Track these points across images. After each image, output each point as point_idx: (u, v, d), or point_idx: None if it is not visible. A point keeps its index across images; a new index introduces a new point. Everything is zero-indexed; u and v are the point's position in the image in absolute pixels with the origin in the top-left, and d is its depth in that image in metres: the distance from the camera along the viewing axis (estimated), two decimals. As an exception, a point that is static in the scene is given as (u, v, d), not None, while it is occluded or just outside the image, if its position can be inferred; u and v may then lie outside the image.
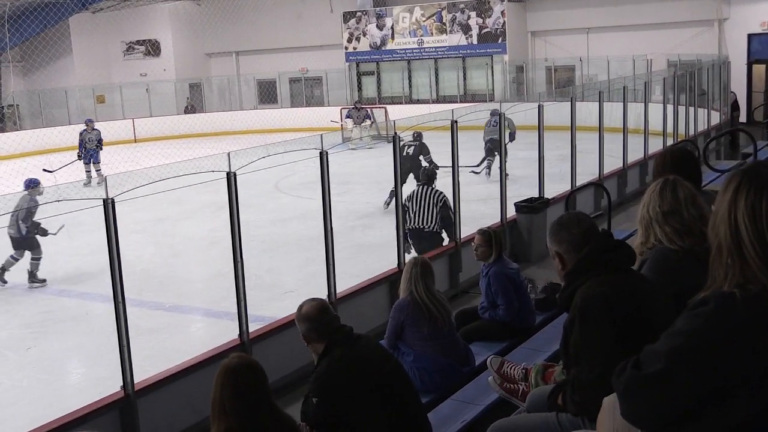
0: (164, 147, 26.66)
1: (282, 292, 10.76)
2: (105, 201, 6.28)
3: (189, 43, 38.49)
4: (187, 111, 36.44)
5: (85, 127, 22.36)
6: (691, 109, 19.86)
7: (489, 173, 17.97)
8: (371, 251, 12.19)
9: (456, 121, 10.25)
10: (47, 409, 6.67)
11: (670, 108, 17.90)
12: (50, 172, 19.56)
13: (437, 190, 10.74)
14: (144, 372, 6.79)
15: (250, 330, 7.47)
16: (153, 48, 38.45)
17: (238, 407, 3.80)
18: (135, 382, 6.50)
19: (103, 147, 22.37)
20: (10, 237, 11.92)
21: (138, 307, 9.34)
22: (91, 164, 21.86)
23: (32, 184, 12.11)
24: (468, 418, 5.33)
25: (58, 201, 6.21)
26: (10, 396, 8.21)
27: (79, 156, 21.91)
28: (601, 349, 3.28)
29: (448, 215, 10.60)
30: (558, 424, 3.49)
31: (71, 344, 9.94)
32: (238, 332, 7.41)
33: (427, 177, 10.97)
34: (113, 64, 38.47)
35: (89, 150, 21.85)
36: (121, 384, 6.46)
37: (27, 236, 11.87)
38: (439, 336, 6.10)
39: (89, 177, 21.66)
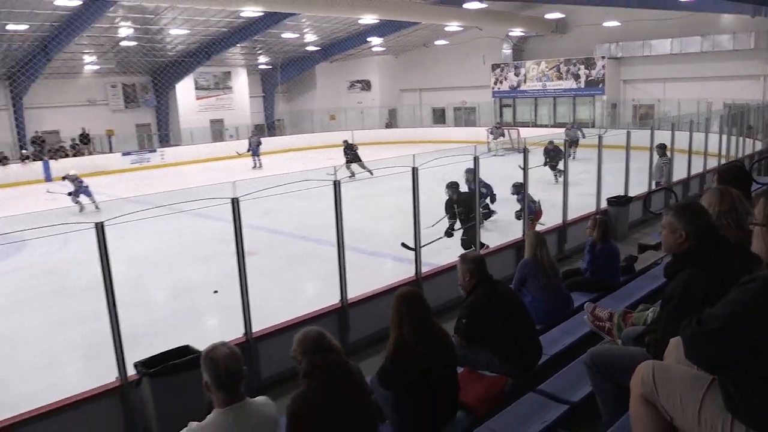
0: (372, 150, 27.26)
1: (444, 248, 10.75)
2: (334, 182, 6.50)
3: (389, 82, 38.89)
4: (387, 126, 37.04)
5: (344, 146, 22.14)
6: (741, 138, 18.28)
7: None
8: (502, 227, 11.97)
9: (567, 140, 9.85)
10: (294, 310, 6.82)
11: (724, 137, 16.50)
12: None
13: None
14: (354, 291, 6.89)
15: (423, 271, 7.53)
16: (366, 85, 39.16)
17: (408, 320, 3.81)
18: (348, 297, 6.69)
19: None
20: None
21: (351, 252, 9.46)
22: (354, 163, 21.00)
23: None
24: (568, 342, 5.17)
25: (306, 180, 6.40)
26: (266, 306, 8.58)
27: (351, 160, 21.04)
28: None
29: None
30: (644, 357, 3.19)
31: (307, 270, 10.38)
32: (414, 272, 7.49)
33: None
34: (341, 95, 39.47)
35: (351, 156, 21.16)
36: (340, 297, 6.63)
37: None
38: (551, 286, 5.91)
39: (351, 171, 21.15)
